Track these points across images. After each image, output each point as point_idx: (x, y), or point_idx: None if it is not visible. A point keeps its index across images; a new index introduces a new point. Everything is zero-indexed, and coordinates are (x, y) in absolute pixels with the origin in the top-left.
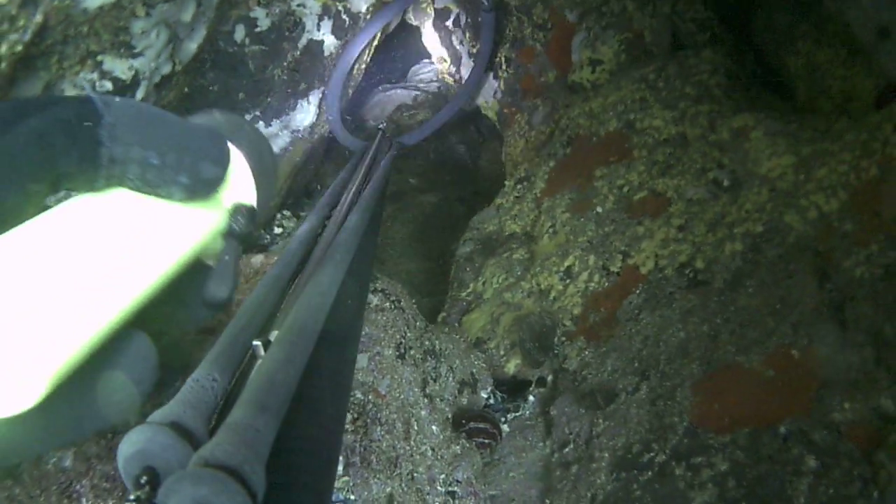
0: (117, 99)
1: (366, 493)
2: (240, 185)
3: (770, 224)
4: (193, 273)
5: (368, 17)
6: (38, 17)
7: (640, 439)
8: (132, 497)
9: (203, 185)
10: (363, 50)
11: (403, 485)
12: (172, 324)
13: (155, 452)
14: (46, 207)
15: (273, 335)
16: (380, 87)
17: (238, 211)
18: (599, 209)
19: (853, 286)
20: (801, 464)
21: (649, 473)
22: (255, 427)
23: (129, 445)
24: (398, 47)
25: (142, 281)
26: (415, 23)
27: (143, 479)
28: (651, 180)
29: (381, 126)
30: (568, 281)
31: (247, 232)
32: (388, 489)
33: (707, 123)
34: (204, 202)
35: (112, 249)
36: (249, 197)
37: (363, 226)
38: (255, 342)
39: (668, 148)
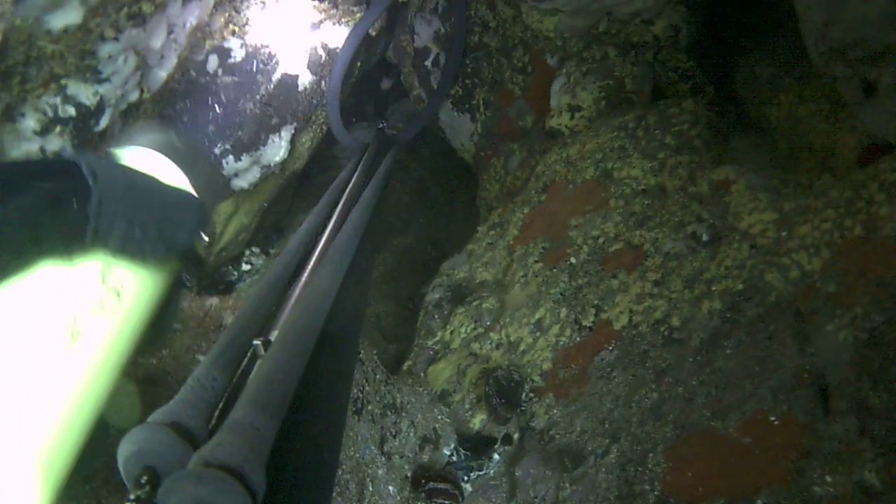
0: (103, 164)
1: None
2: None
3: (750, 282)
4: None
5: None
6: None
7: None
8: (132, 497)
9: (175, 253)
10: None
11: None
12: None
13: (155, 452)
14: None
15: (273, 335)
16: (382, 122)
17: (190, 264)
18: (573, 260)
19: (836, 350)
20: None
21: None
22: (256, 427)
23: (130, 445)
24: (377, 85)
25: (109, 344)
26: (394, 61)
27: (143, 479)
28: (627, 232)
29: (381, 125)
30: (538, 334)
31: (195, 285)
32: None
33: (687, 175)
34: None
35: (76, 319)
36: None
37: (363, 225)
38: (256, 342)
39: (646, 199)
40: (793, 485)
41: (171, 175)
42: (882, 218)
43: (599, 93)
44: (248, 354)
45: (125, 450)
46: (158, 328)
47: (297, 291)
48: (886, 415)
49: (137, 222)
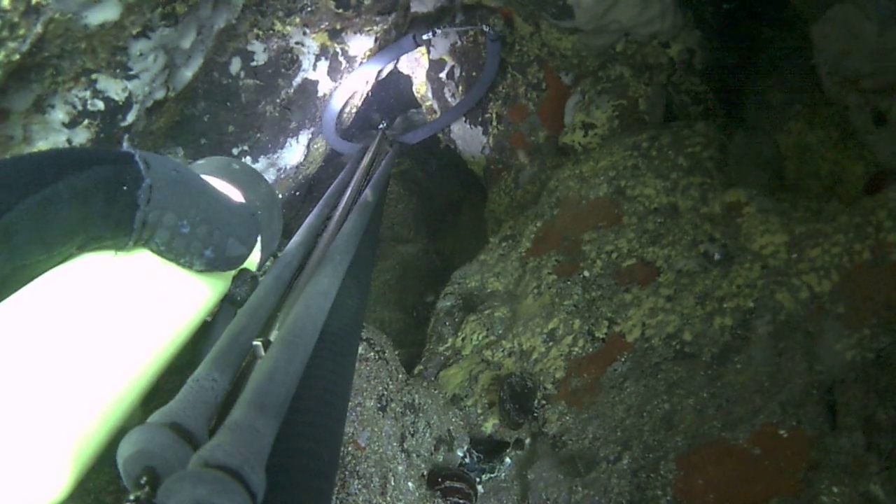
0: (158, 158)
1: None
2: None
3: (761, 301)
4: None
5: (364, 61)
6: (39, 28)
7: None
8: (132, 497)
9: (224, 263)
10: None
11: None
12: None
13: (155, 453)
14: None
15: (273, 335)
16: (382, 122)
17: (243, 280)
18: (587, 273)
19: (844, 369)
20: None
21: None
22: (255, 427)
23: (129, 446)
24: (387, 95)
25: (149, 349)
26: (406, 72)
27: (143, 480)
28: (640, 248)
29: (381, 125)
30: (551, 343)
31: (245, 300)
32: None
33: (699, 196)
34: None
35: (122, 315)
36: (254, 257)
37: (363, 226)
38: (255, 342)
39: (659, 217)
40: (801, 495)
41: (229, 192)
42: (890, 244)
43: (613, 112)
44: (248, 355)
45: (125, 450)
46: (198, 347)
47: (297, 292)
48: (893, 430)
49: (188, 219)
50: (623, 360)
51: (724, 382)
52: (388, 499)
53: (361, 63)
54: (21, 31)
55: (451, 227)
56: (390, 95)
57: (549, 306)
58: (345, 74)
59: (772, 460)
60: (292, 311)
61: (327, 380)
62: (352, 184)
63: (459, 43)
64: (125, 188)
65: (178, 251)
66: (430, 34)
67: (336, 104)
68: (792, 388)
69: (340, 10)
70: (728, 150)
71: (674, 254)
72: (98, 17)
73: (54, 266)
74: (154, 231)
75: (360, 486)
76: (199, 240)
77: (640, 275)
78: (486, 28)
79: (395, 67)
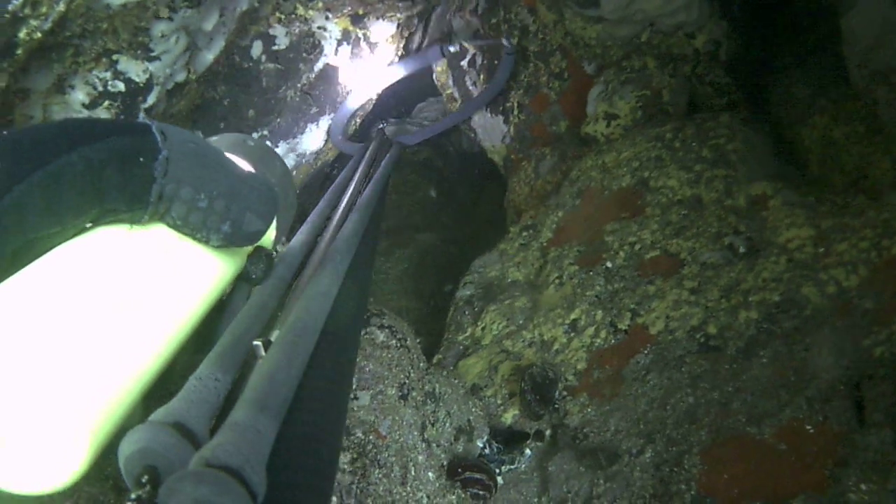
0: (175, 130)
1: None
2: None
3: (787, 295)
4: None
5: (386, 47)
6: (61, 7)
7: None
8: (133, 496)
9: (242, 238)
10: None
11: None
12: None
13: (156, 452)
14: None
15: (274, 335)
16: (382, 122)
17: (258, 257)
18: (609, 264)
19: (872, 365)
20: None
21: None
22: (256, 427)
23: (131, 444)
24: (406, 82)
25: (166, 325)
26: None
27: (144, 479)
28: (664, 240)
29: (381, 125)
30: (573, 334)
31: (262, 279)
32: None
33: (723, 188)
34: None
35: (138, 289)
36: (270, 234)
37: (363, 226)
38: (256, 342)
39: (683, 209)
40: (828, 491)
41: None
42: None
43: (636, 102)
44: (249, 355)
45: (126, 449)
46: (212, 328)
47: (298, 292)
48: None
49: (205, 192)
50: (646, 352)
51: (750, 376)
52: (409, 488)
53: (388, 65)
54: (44, 10)
55: (469, 216)
56: (405, 86)
57: (571, 297)
58: (364, 69)
59: (798, 456)
60: (293, 311)
61: (328, 379)
62: (352, 183)
63: (482, 31)
64: (141, 160)
65: (195, 226)
66: (457, 47)
67: (350, 107)
68: (818, 384)
69: None
70: (753, 143)
71: (698, 246)
72: None
73: (68, 239)
74: (170, 205)
75: (380, 476)
76: (216, 214)
77: (664, 267)
78: (505, 42)
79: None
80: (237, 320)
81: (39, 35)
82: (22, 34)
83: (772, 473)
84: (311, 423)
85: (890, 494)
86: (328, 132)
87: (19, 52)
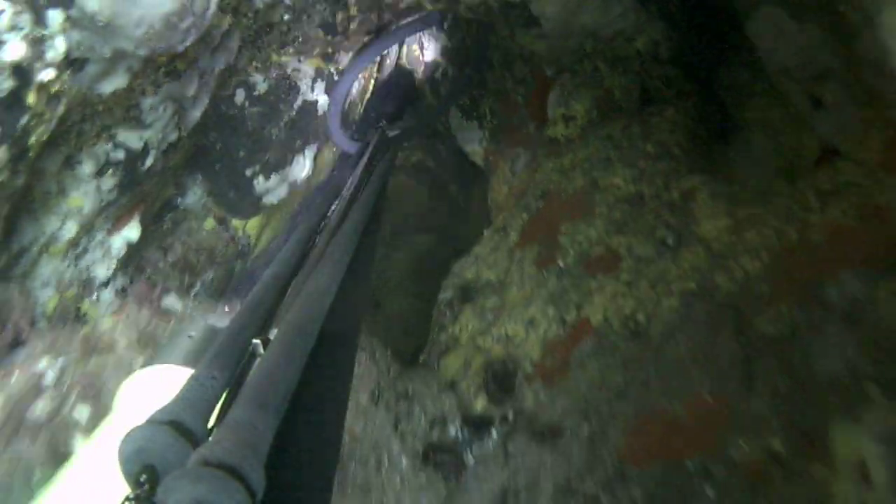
0: None
1: None
2: None
3: (702, 283)
4: None
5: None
6: (61, 109)
7: (577, 472)
8: (131, 495)
9: None
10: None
11: None
12: None
13: (154, 451)
14: None
15: (273, 333)
16: (381, 122)
17: None
18: (561, 263)
19: (762, 342)
20: (701, 494)
21: (582, 501)
22: (255, 425)
23: (129, 444)
24: (391, 91)
25: None
26: (409, 68)
27: (143, 478)
28: (608, 237)
29: (380, 124)
30: (530, 329)
31: None
32: None
33: (662, 183)
34: None
35: None
36: None
37: (363, 223)
38: (255, 340)
39: (626, 206)
40: (717, 450)
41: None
42: (813, 225)
43: (591, 103)
44: (248, 353)
45: (125, 448)
46: None
47: (297, 290)
48: (791, 397)
49: None
50: (588, 341)
51: (668, 358)
52: (384, 474)
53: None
54: (47, 117)
55: (463, 216)
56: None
57: (530, 295)
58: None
59: (698, 423)
60: (291, 309)
61: (327, 377)
62: (351, 182)
63: (449, 45)
64: None
65: None
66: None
67: (343, 89)
68: (721, 362)
69: (329, 37)
70: (696, 133)
71: (634, 241)
72: (110, 86)
73: None
74: None
75: (357, 467)
76: None
77: (606, 262)
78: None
79: (398, 63)
80: (234, 318)
81: (46, 136)
82: (32, 140)
83: (676, 439)
84: (311, 421)
85: (763, 450)
86: (328, 125)
87: (31, 154)
